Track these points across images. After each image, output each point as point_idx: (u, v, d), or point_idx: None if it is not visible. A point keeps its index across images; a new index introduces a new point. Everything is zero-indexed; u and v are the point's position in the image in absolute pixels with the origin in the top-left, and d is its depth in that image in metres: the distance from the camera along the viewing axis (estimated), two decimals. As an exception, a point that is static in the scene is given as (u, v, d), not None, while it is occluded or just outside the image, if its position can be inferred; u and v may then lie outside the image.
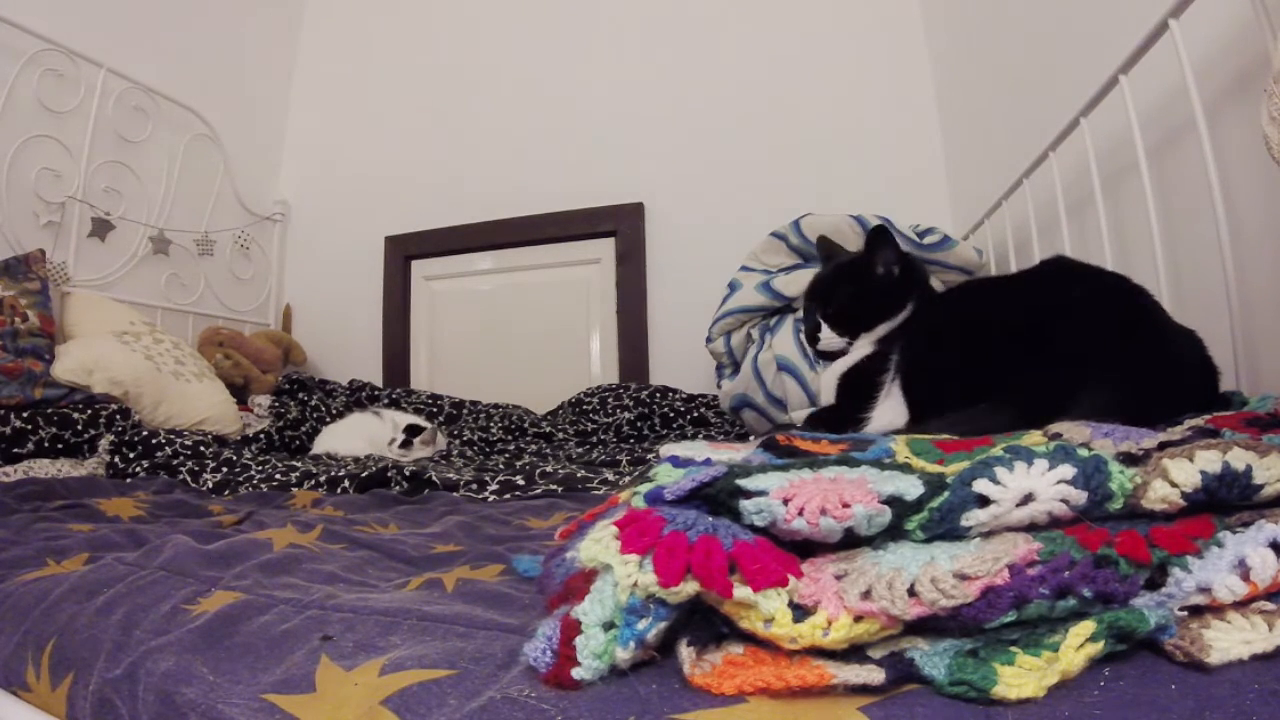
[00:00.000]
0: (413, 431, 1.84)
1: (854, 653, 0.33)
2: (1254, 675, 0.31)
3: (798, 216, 1.78)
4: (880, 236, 1.11)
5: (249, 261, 2.72)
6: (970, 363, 0.83)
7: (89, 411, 1.58)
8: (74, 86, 2.06)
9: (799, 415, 1.34)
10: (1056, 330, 0.76)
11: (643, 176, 2.51)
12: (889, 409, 0.95)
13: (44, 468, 1.41)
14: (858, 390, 1.04)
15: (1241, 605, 0.35)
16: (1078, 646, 0.31)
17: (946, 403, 0.81)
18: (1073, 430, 0.47)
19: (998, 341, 0.81)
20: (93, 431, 1.56)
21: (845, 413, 1.05)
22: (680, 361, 2.34)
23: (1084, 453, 0.37)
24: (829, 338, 1.13)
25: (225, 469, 1.39)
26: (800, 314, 1.54)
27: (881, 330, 1.09)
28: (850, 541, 0.36)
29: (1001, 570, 0.32)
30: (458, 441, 2.06)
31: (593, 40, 2.66)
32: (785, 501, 0.35)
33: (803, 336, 1.23)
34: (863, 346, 1.10)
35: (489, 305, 2.69)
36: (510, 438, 2.09)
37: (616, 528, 0.35)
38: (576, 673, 0.33)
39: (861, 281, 1.12)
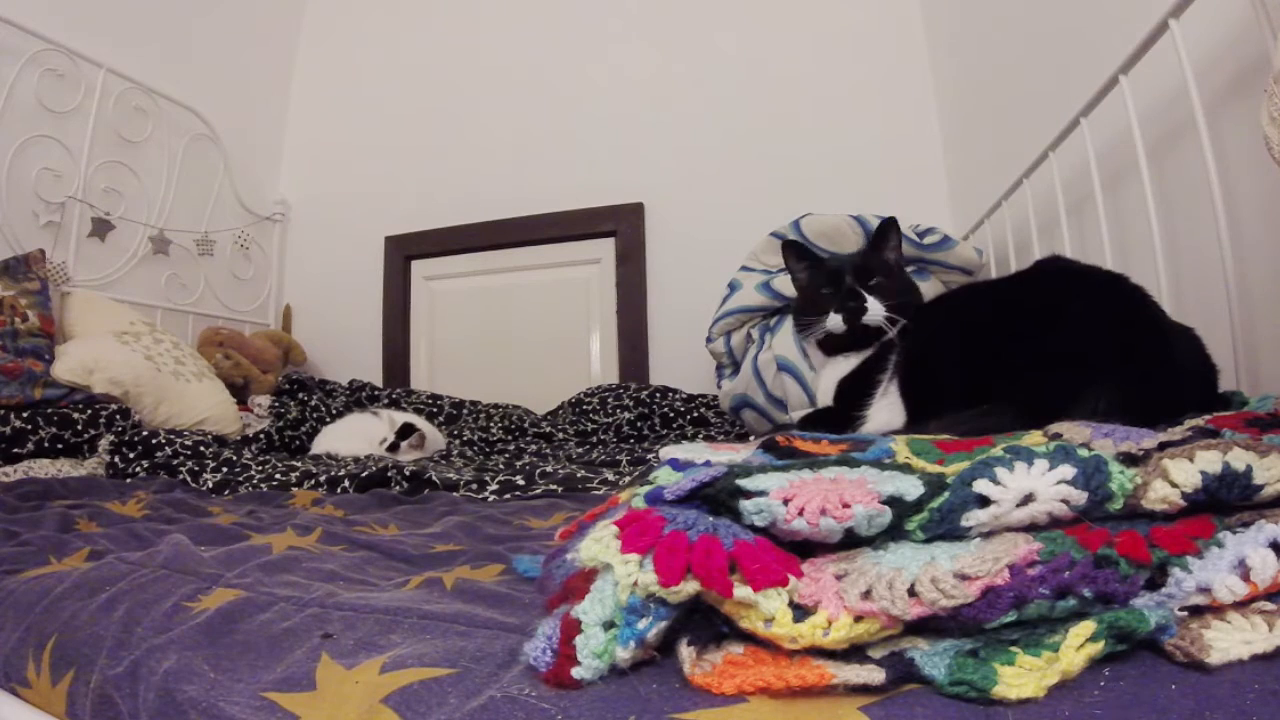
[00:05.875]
0: (402, 433, 1.84)
1: (854, 653, 0.33)
2: (1254, 675, 0.31)
3: (798, 216, 1.78)
4: (890, 227, 1.16)
5: (249, 261, 2.72)
6: (970, 363, 0.83)
7: (89, 411, 1.58)
8: (74, 86, 2.06)
9: (799, 415, 1.34)
10: (1056, 330, 0.76)
11: (643, 176, 2.51)
12: (886, 408, 0.95)
13: (44, 468, 1.41)
14: (855, 396, 1.04)
15: (1242, 605, 0.35)
16: (1078, 646, 0.31)
17: (946, 403, 0.81)
18: (1073, 430, 0.47)
19: (997, 342, 0.81)
20: (93, 431, 1.56)
21: (842, 413, 1.05)
22: (680, 361, 2.34)
23: (1084, 453, 0.37)
24: (876, 309, 1.08)
25: (225, 469, 1.39)
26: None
27: (890, 333, 1.09)
28: (850, 541, 0.36)
29: (1002, 570, 0.32)
30: (458, 441, 2.06)
31: (593, 40, 2.66)
32: (785, 502, 0.35)
33: (829, 322, 1.13)
34: (865, 351, 1.10)
35: (489, 305, 2.69)
36: (510, 438, 2.09)
37: (617, 527, 0.35)
38: (576, 672, 0.33)
39: (888, 267, 1.17)
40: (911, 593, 0.32)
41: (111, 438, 1.54)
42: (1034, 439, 0.46)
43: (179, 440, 1.54)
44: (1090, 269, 0.87)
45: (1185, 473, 0.37)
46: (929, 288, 1.64)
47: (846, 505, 0.34)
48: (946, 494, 0.36)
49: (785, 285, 1.73)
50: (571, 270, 2.60)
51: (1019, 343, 0.78)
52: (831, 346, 1.17)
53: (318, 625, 0.46)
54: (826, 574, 0.34)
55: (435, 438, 1.97)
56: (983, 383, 0.78)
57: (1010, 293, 0.90)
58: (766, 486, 0.36)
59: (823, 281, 1.19)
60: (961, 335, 0.89)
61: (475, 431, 2.11)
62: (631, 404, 2.12)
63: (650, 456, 1.53)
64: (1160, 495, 0.37)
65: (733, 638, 0.35)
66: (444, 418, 2.26)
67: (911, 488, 0.36)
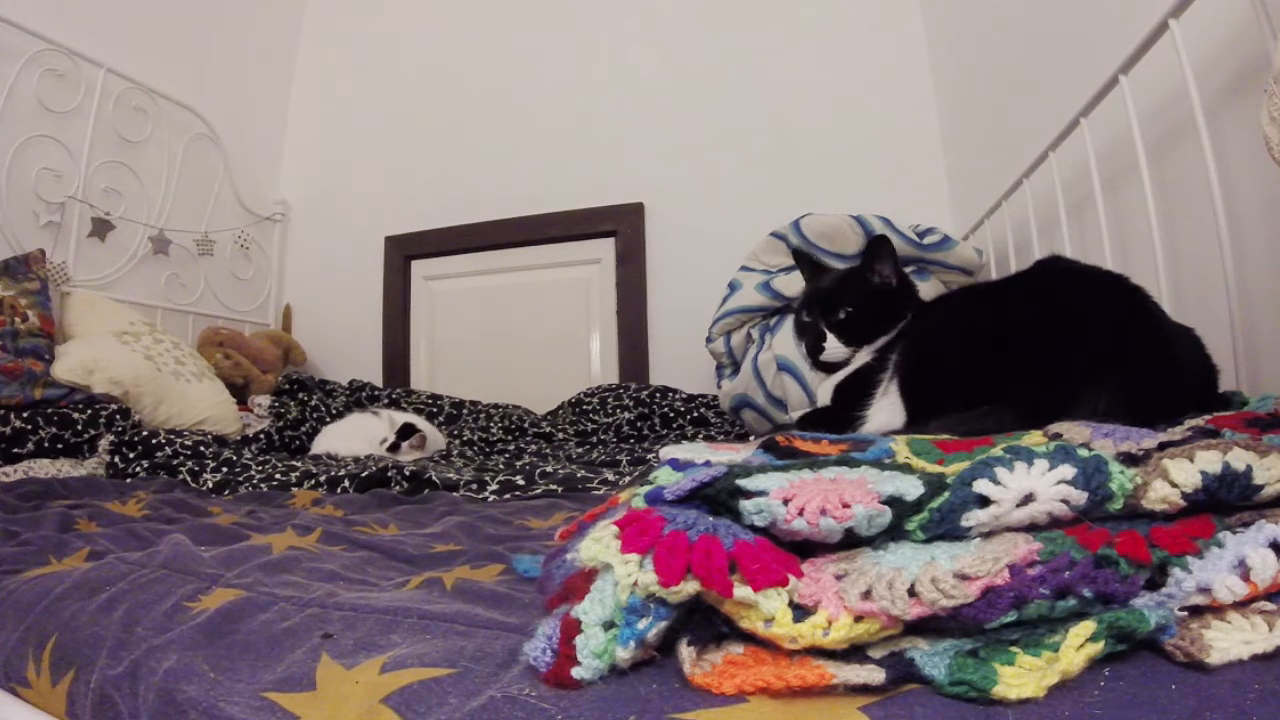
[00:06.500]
0: (403, 434, 1.84)
1: (854, 653, 0.33)
2: (1254, 675, 0.31)
3: (798, 216, 1.78)
4: (880, 246, 1.10)
5: (249, 261, 2.72)
6: (970, 364, 0.83)
7: (89, 411, 1.58)
8: (74, 86, 2.06)
9: (799, 415, 1.34)
10: (1056, 331, 0.76)
11: (643, 176, 2.51)
12: (886, 409, 0.95)
13: (44, 468, 1.41)
14: (854, 397, 1.04)
15: (1242, 605, 0.35)
16: (1078, 646, 0.31)
17: (946, 404, 0.81)
18: (1073, 430, 0.47)
19: (998, 342, 0.81)
20: (93, 431, 1.56)
21: (842, 413, 1.04)
22: (680, 361, 2.34)
23: (1084, 453, 0.37)
24: (834, 348, 1.10)
25: (225, 469, 1.39)
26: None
27: (881, 341, 1.08)
28: (850, 542, 0.36)
29: (1002, 570, 0.32)
30: (458, 441, 2.06)
31: (593, 40, 2.66)
32: (785, 502, 0.35)
33: (802, 348, 1.19)
34: (861, 357, 1.10)
35: (489, 305, 2.69)
36: (510, 438, 2.09)
37: (617, 527, 0.35)
38: (576, 672, 0.33)
39: (866, 292, 1.11)
40: (911, 593, 0.32)
41: (111, 438, 1.54)
42: (1034, 439, 0.46)
43: (179, 440, 1.54)
44: (1090, 269, 0.87)
45: (1185, 473, 0.37)
46: (929, 288, 1.64)
47: (846, 505, 0.34)
48: (946, 494, 0.36)
49: (785, 285, 1.73)
50: (571, 270, 2.60)
51: (1019, 343, 0.78)
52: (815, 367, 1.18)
53: (318, 625, 0.46)
54: (826, 574, 0.34)
55: (435, 438, 1.97)
56: (983, 383, 0.78)
57: (1011, 293, 0.90)
58: (766, 486, 0.36)
59: (803, 306, 1.19)
60: (962, 336, 0.88)
61: (475, 431, 2.11)
62: (631, 404, 2.12)
63: (650, 456, 1.53)
64: (1160, 495, 0.37)
65: (733, 638, 0.35)
66: (444, 418, 2.26)
67: (911, 488, 0.36)
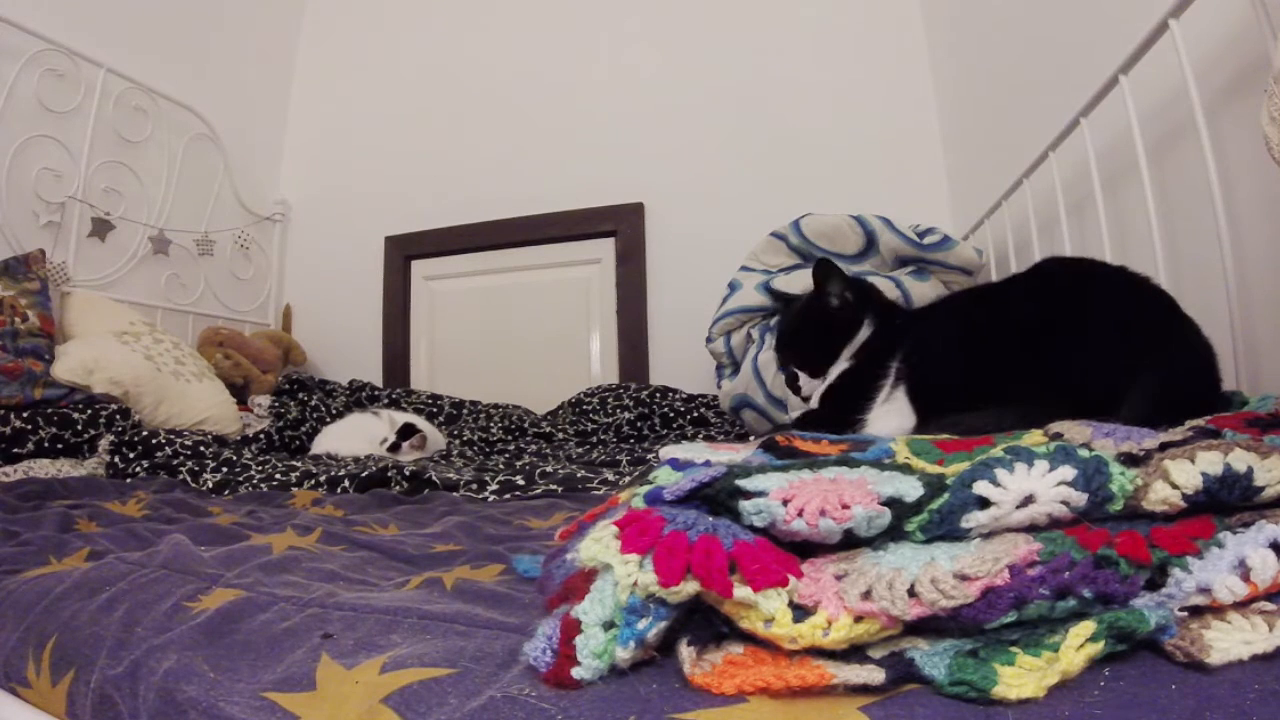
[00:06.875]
0: (403, 434, 1.84)
1: (854, 653, 0.33)
2: (1254, 675, 0.31)
3: (798, 216, 1.78)
4: (824, 269, 1.16)
5: (249, 261, 2.72)
6: (994, 367, 0.82)
7: (89, 411, 1.58)
8: (74, 86, 2.06)
9: (799, 415, 1.34)
10: (1085, 332, 0.76)
11: (643, 176, 2.51)
12: (894, 414, 0.94)
13: (44, 468, 1.41)
14: (843, 399, 1.06)
15: (1242, 606, 0.35)
16: (1078, 647, 0.31)
17: (961, 411, 0.80)
18: (1073, 430, 0.47)
19: (1016, 344, 0.80)
20: (93, 431, 1.56)
21: (840, 415, 1.04)
22: (680, 361, 2.34)
23: (1085, 454, 0.37)
24: (808, 384, 1.18)
25: (225, 469, 1.39)
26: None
27: (847, 353, 1.12)
28: (850, 542, 0.36)
29: (1001, 571, 0.32)
30: (458, 441, 2.06)
31: (593, 40, 2.66)
32: (785, 502, 0.35)
33: (788, 389, 1.28)
34: (838, 367, 1.13)
35: (489, 305, 2.69)
36: (510, 438, 2.09)
37: (617, 527, 0.35)
38: (576, 672, 0.33)
39: (816, 318, 1.17)
40: (911, 593, 0.32)
41: (111, 438, 1.54)
42: (1034, 439, 0.46)
43: (179, 440, 1.54)
44: (1107, 267, 0.86)
45: (1186, 474, 0.37)
46: (929, 288, 1.64)
47: (846, 506, 0.34)
48: (946, 495, 0.36)
49: (785, 286, 1.73)
50: (571, 270, 2.60)
51: (1042, 345, 0.77)
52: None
53: (318, 625, 0.46)
54: (826, 574, 0.34)
55: (436, 438, 1.97)
56: (1005, 386, 0.78)
57: (1027, 292, 0.88)
58: (766, 487, 0.36)
59: (778, 350, 1.29)
60: (978, 338, 0.86)
61: (475, 431, 2.11)
62: (631, 404, 2.12)
63: (650, 456, 1.53)
64: (1161, 497, 0.37)
65: (733, 638, 0.35)
66: (444, 418, 2.25)
67: (911, 489, 0.35)
